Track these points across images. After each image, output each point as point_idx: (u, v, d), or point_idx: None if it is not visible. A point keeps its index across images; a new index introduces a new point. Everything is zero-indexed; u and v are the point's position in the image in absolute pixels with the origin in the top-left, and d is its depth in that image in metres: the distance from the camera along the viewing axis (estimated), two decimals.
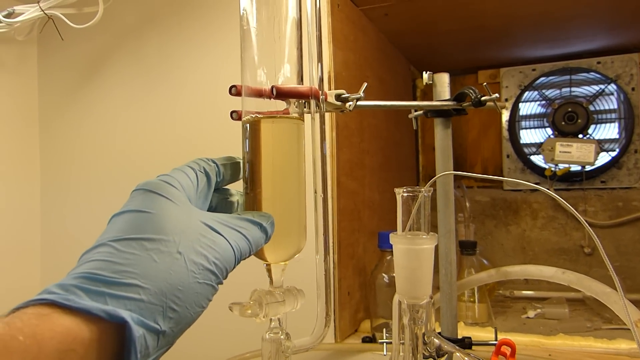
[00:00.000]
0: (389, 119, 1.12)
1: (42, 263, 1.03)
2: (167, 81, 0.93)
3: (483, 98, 0.55)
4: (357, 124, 0.93)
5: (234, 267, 0.35)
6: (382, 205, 1.04)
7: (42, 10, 0.82)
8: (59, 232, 1.02)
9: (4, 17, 0.84)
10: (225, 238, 0.34)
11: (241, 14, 0.43)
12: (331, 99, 0.46)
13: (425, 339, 0.40)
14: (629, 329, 0.87)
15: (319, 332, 0.41)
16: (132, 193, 0.35)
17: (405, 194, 0.39)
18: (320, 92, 0.41)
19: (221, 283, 0.34)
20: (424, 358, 0.41)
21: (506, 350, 0.38)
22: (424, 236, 0.39)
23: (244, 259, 0.37)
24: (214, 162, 0.41)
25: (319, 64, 0.41)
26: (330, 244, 0.41)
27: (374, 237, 0.92)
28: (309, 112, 0.45)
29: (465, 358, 0.38)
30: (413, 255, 0.38)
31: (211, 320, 0.85)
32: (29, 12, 0.84)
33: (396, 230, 0.41)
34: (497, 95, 0.53)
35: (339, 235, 0.82)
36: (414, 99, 1.33)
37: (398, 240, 0.39)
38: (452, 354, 0.43)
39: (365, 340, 0.82)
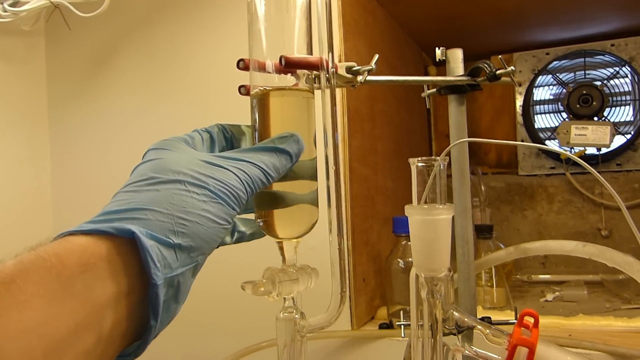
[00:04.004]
0: (400, 105, 1.11)
1: None
2: (180, 71, 0.92)
3: (498, 72, 0.53)
4: (368, 109, 0.92)
5: (248, 193, 0.36)
6: (396, 192, 1.03)
7: None
8: (71, 225, 1.01)
9: (9, 5, 0.84)
10: (225, 168, 0.35)
11: None
12: (341, 71, 0.45)
13: (444, 315, 0.39)
14: None
15: (334, 309, 0.40)
16: (145, 154, 0.38)
17: (421, 165, 0.38)
18: (330, 63, 0.40)
19: (233, 207, 0.35)
20: (443, 336, 0.40)
21: (529, 321, 0.37)
22: (440, 206, 0.38)
23: (267, 182, 0.37)
24: (217, 125, 0.44)
25: (329, 30, 0.40)
26: (344, 220, 0.40)
27: (387, 224, 0.91)
28: (319, 88, 0.44)
29: (487, 331, 0.37)
30: (430, 226, 0.37)
31: (227, 310, 0.85)
32: (35, 1, 0.84)
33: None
34: (512, 67, 0.52)
35: (353, 221, 0.81)
36: (427, 87, 1.31)
37: (414, 212, 0.38)
38: (472, 331, 0.42)
39: (382, 326, 0.81)
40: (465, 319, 0.38)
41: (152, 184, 0.33)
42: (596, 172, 0.41)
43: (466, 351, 0.38)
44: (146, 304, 0.31)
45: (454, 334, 0.40)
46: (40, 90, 1.02)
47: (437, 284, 0.38)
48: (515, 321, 0.56)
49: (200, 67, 0.90)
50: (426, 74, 1.31)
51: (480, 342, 0.43)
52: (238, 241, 0.44)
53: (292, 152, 0.38)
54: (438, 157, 0.37)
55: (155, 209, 0.32)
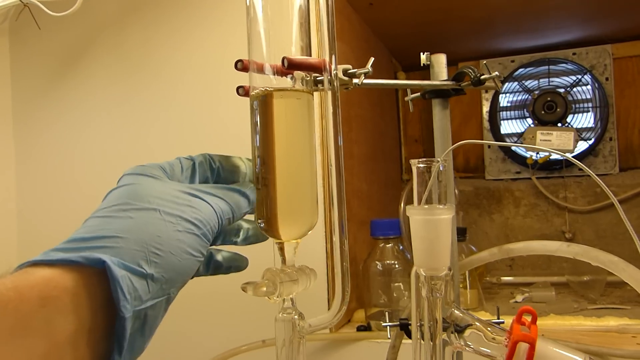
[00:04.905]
0: (374, 109, 1.12)
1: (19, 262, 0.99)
2: (151, 73, 0.90)
3: (482, 77, 0.55)
4: (344, 113, 0.92)
5: (219, 226, 0.36)
6: (370, 196, 1.04)
7: None
8: (37, 231, 0.97)
9: None
10: (202, 199, 0.35)
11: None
12: (339, 73, 0.45)
13: (445, 318, 0.40)
14: (613, 308, 0.90)
15: (336, 308, 0.40)
16: (119, 179, 0.37)
17: (421, 166, 0.39)
18: (332, 64, 0.40)
19: (207, 237, 0.35)
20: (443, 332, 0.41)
21: (526, 319, 0.38)
22: (441, 207, 0.39)
23: (230, 221, 0.38)
24: (203, 155, 0.43)
25: (330, 36, 0.41)
26: (345, 219, 0.41)
27: (363, 227, 0.92)
28: (316, 90, 0.44)
29: (488, 328, 0.38)
30: (431, 226, 0.38)
31: (207, 312, 0.83)
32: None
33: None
34: (497, 73, 0.54)
35: (331, 224, 0.82)
36: (396, 92, 1.34)
37: (415, 212, 0.38)
38: (466, 328, 0.43)
39: (360, 329, 0.82)
40: (466, 317, 0.38)
41: (126, 210, 0.33)
42: (596, 176, 0.43)
43: (466, 349, 0.39)
44: (110, 339, 0.30)
45: (452, 332, 0.41)
46: (4, 90, 0.98)
47: (436, 282, 0.39)
48: (498, 320, 0.58)
49: (173, 70, 0.89)
50: (395, 79, 1.33)
51: (472, 341, 0.44)
52: (214, 273, 0.44)
53: (252, 198, 0.40)
54: (438, 159, 0.38)
55: (128, 237, 0.31)
